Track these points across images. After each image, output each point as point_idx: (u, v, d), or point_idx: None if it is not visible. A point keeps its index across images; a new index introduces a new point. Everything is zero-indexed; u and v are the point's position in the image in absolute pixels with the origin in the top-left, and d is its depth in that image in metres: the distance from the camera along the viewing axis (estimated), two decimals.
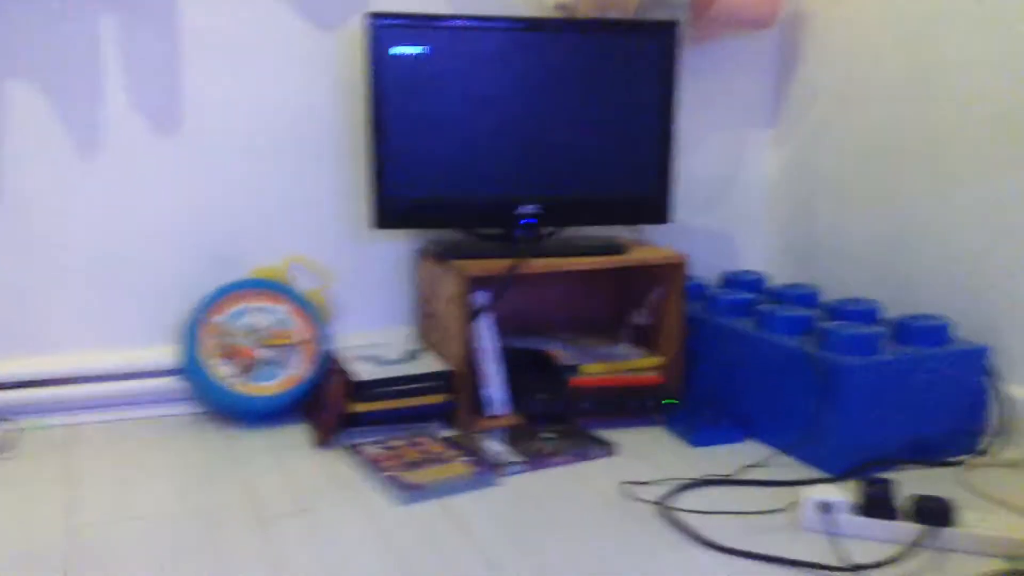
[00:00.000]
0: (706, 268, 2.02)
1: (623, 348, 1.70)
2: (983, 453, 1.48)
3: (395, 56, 1.56)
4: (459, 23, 1.58)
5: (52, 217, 1.59)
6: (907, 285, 1.70)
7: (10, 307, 1.59)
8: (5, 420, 1.56)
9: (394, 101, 1.58)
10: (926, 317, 1.51)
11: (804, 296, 1.67)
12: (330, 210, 1.74)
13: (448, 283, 1.58)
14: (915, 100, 1.66)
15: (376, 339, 1.79)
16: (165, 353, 1.65)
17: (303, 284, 1.75)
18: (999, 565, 1.13)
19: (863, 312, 1.56)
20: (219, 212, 1.68)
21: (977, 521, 1.19)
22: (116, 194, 1.62)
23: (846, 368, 1.37)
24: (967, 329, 1.59)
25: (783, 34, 1.96)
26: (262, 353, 1.59)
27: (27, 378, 1.57)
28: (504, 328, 1.81)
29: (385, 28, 1.55)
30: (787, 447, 1.49)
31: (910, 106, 1.67)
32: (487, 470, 1.38)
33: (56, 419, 1.60)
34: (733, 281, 1.79)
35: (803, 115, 1.93)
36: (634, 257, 1.65)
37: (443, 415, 1.60)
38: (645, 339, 1.76)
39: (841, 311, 1.57)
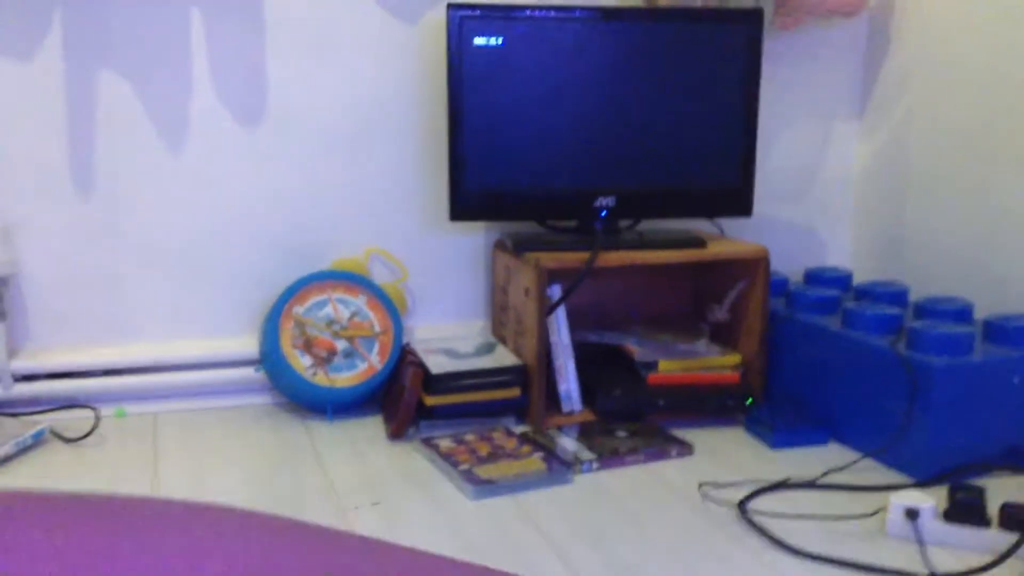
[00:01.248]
0: (789, 263, 1.97)
1: (702, 345, 1.67)
2: None
3: (475, 47, 1.56)
4: (539, 13, 1.56)
5: (139, 208, 1.62)
6: (1001, 283, 1.63)
7: (96, 296, 1.63)
8: (89, 407, 1.60)
9: (473, 92, 1.57)
10: (1021, 317, 1.44)
11: (892, 293, 1.61)
12: (409, 202, 1.74)
13: (524, 276, 1.57)
14: (1011, 89, 1.59)
15: (451, 332, 1.79)
16: (246, 343, 1.68)
17: (382, 276, 1.75)
18: None
19: (955, 311, 1.50)
20: (301, 204, 1.69)
21: None
22: (201, 186, 1.64)
23: (936, 369, 1.32)
24: None
25: (871, 21, 1.90)
26: (340, 344, 1.60)
27: (111, 366, 1.61)
28: (580, 322, 1.79)
29: (465, 19, 1.54)
30: (872, 450, 1.44)
31: (1006, 95, 1.60)
32: (560, 466, 1.36)
33: (138, 406, 1.64)
34: (817, 277, 1.74)
35: (892, 105, 1.86)
36: (715, 251, 1.61)
37: (517, 410, 1.59)
38: (725, 336, 1.73)
39: (931, 310, 1.51)
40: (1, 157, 1.55)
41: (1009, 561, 1.11)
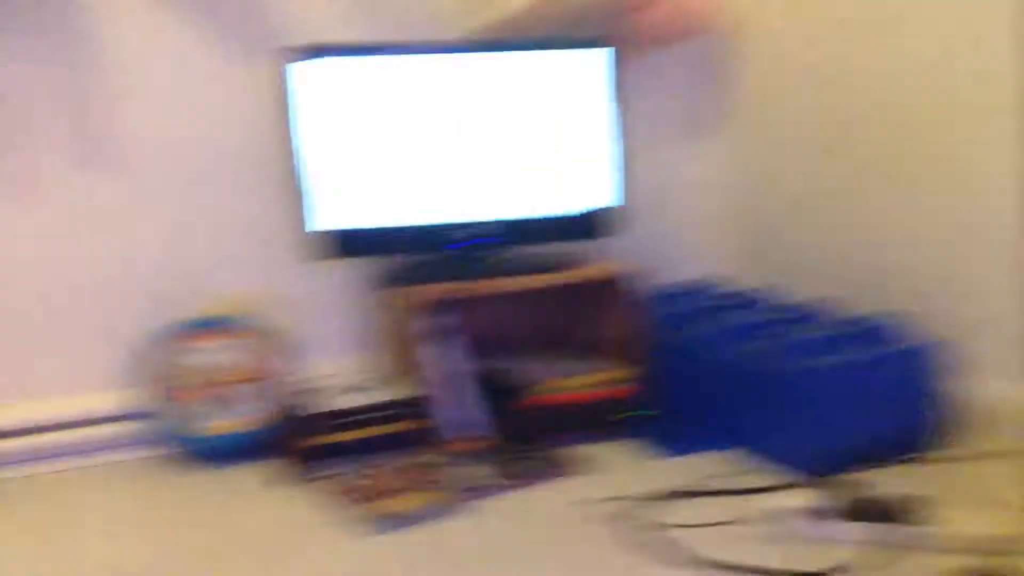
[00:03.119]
0: (663, 277, 2.00)
1: (585, 363, 1.71)
2: (944, 449, 1.49)
3: (317, 86, 1.56)
4: (384, 51, 1.58)
5: None
6: (866, 283, 1.72)
7: None
8: None
9: (317, 132, 1.57)
10: (876, 316, 1.55)
11: (754, 301, 1.70)
12: (280, 242, 1.72)
13: (401, 309, 1.58)
14: (852, 91, 1.71)
15: (337, 369, 1.77)
16: (117, 398, 1.62)
17: (258, 319, 1.72)
18: (972, 562, 1.14)
19: (810, 315, 1.60)
20: (163, 250, 1.65)
21: (950, 519, 1.22)
22: (54, 239, 1.58)
23: (791, 374, 1.41)
24: (932, 326, 1.59)
25: (722, 38, 1.98)
26: (223, 391, 1.57)
27: None
28: (466, 350, 1.81)
29: (307, 59, 1.54)
30: (749, 455, 1.51)
31: (846, 96, 1.72)
32: (462, 494, 1.38)
33: (6, 472, 1.55)
34: (690, 289, 1.82)
35: (751, 116, 1.96)
36: (580, 273, 1.67)
37: (410, 442, 1.59)
38: (608, 353, 1.77)
39: (790, 315, 1.60)
40: None
41: (886, 551, 1.19)
